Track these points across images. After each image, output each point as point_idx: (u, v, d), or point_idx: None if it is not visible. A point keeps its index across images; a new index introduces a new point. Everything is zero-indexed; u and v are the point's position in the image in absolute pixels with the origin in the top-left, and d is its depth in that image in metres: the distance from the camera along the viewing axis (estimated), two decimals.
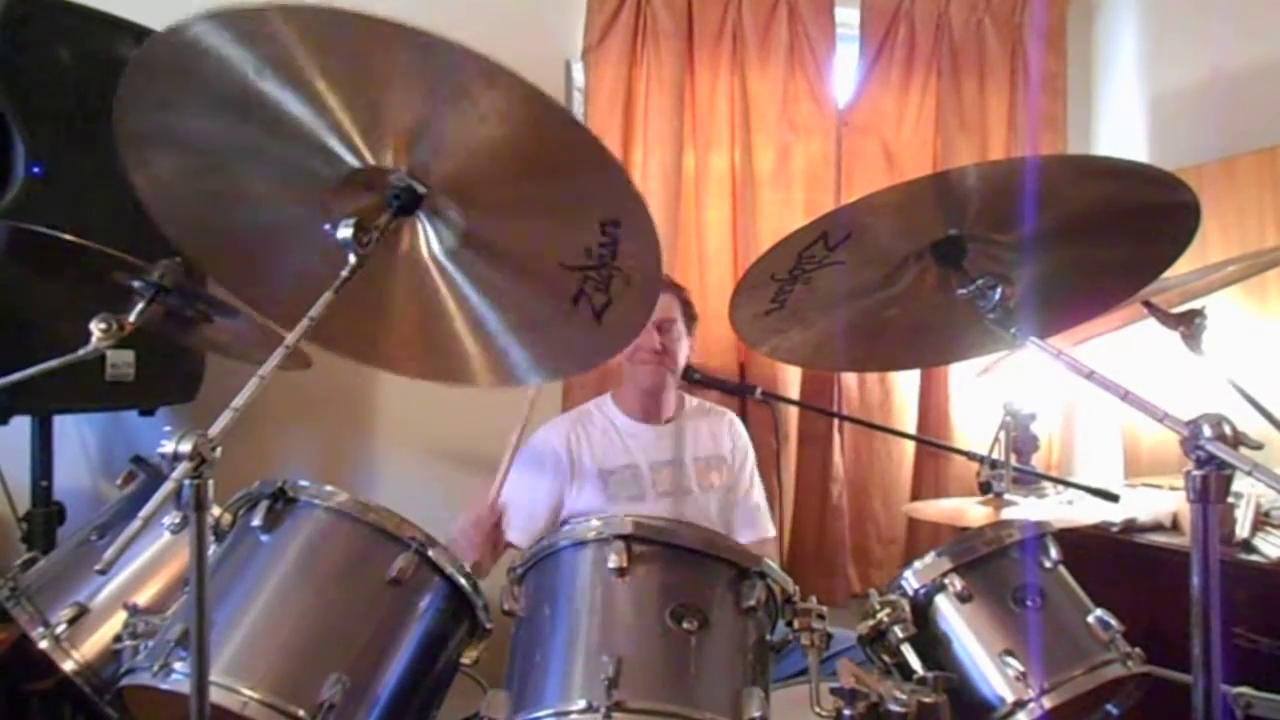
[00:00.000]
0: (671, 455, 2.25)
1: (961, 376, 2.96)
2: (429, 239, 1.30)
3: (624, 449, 2.23)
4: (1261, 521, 2.18)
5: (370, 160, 1.16)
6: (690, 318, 2.29)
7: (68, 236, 1.47)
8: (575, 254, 1.21)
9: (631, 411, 2.28)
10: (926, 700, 1.16)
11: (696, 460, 2.26)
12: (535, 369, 1.47)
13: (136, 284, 1.47)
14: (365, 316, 1.36)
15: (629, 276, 1.22)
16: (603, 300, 1.25)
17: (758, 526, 2.31)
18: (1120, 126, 3.15)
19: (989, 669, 1.41)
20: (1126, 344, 1.89)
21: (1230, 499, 1.85)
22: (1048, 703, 1.35)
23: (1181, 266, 1.37)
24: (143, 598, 1.43)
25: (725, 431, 2.33)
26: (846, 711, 1.17)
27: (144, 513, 0.92)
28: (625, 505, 2.16)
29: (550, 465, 2.19)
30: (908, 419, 2.98)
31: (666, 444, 2.26)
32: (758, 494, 2.35)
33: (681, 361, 2.27)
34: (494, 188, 1.21)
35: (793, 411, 2.82)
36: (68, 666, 1.39)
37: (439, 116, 1.09)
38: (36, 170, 1.84)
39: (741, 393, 2.73)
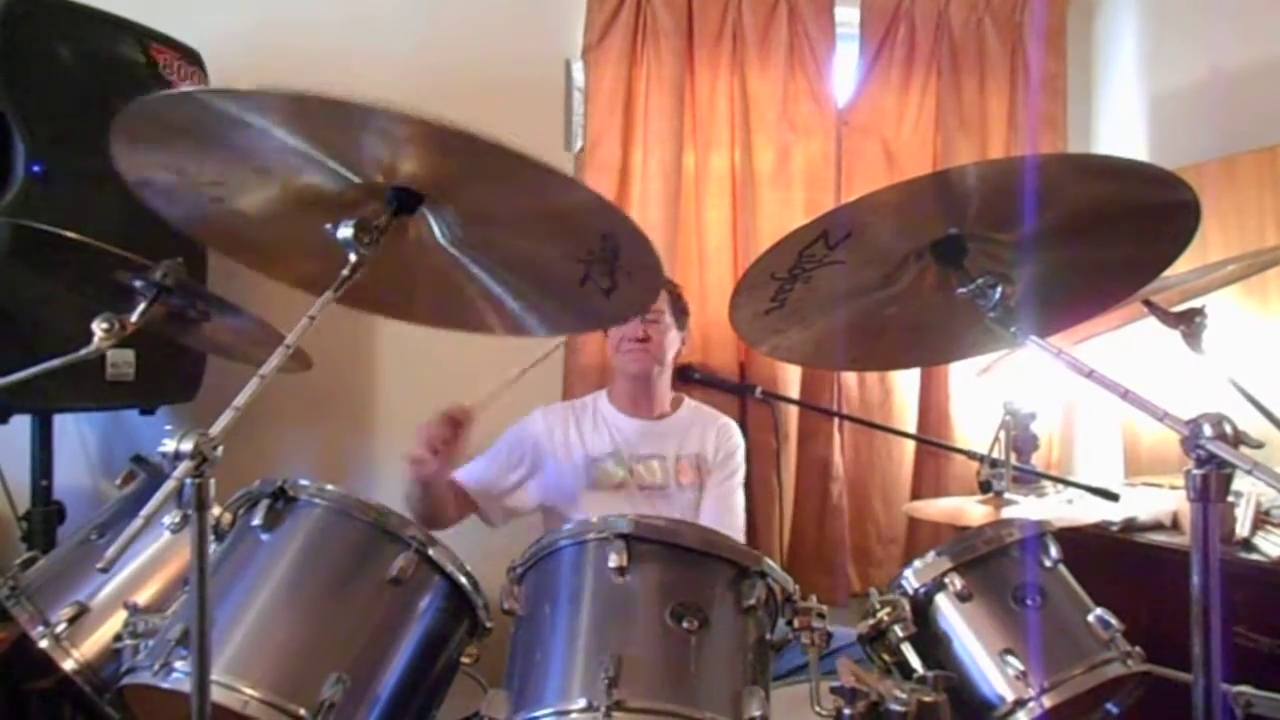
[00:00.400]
0: (656, 450, 2.26)
1: (962, 376, 2.96)
2: (434, 231, 1.31)
3: (610, 439, 2.25)
4: (1261, 520, 2.18)
5: (367, 178, 1.18)
6: (680, 312, 2.30)
7: (70, 234, 1.47)
8: (578, 251, 1.22)
9: (622, 405, 2.30)
10: (926, 699, 1.16)
11: (680, 457, 2.27)
12: (547, 328, 1.55)
13: (138, 284, 1.47)
14: (381, 279, 1.38)
15: (631, 271, 1.24)
16: (608, 284, 1.28)
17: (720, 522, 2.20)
18: (1120, 126, 3.15)
19: (989, 668, 1.41)
20: (1126, 343, 1.89)
21: (1230, 498, 1.86)
22: (1048, 701, 1.35)
23: (1181, 265, 1.37)
24: (143, 597, 1.43)
25: (714, 434, 2.32)
26: (846, 711, 1.17)
27: (145, 511, 0.92)
28: (606, 494, 2.19)
29: (526, 442, 2.23)
30: (908, 418, 2.97)
31: (653, 439, 2.27)
32: (733, 495, 2.28)
33: (669, 352, 2.28)
34: (485, 210, 1.24)
35: (793, 411, 2.82)
36: (68, 666, 1.39)
37: (415, 161, 1.13)
38: (36, 170, 1.84)
39: (741, 392, 2.73)
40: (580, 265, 1.24)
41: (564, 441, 2.24)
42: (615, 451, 2.24)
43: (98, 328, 1.43)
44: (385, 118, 1.02)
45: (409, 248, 1.33)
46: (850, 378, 2.92)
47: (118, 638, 1.30)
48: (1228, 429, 1.02)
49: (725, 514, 2.24)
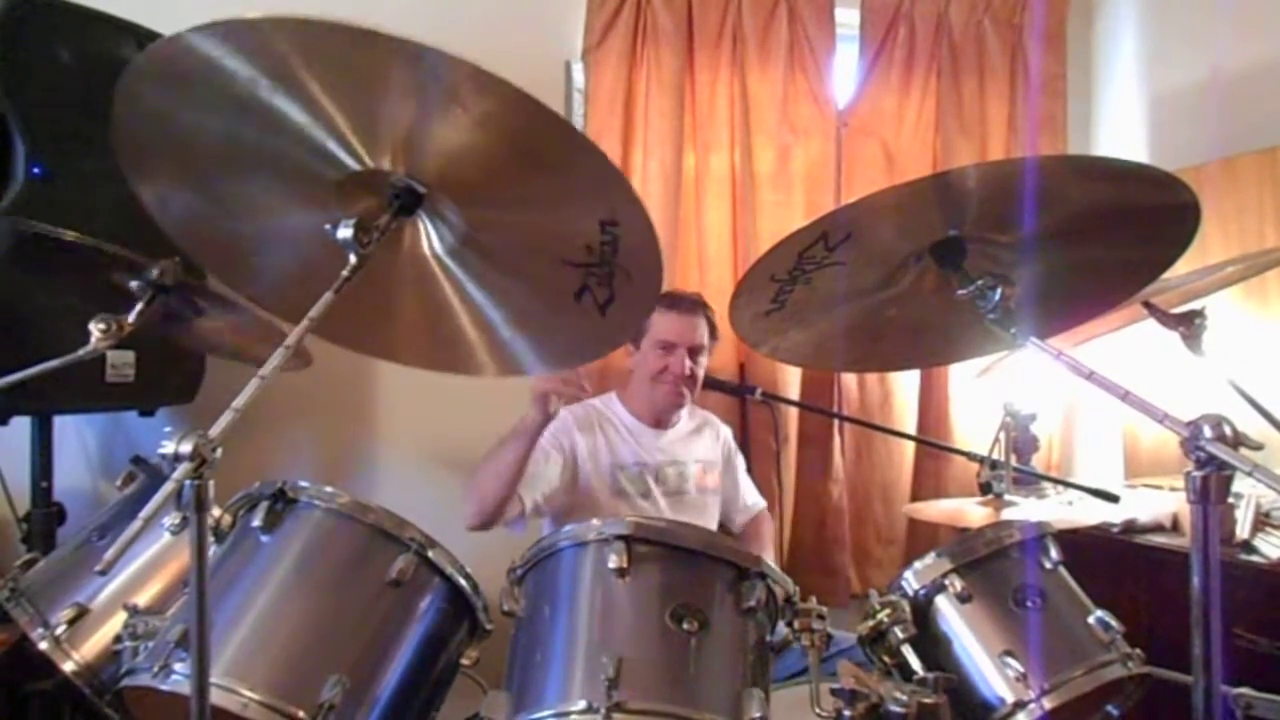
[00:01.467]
0: (675, 457, 2.30)
1: (961, 377, 2.96)
2: (430, 238, 1.30)
3: (635, 448, 2.27)
4: (1261, 522, 2.18)
5: (369, 163, 1.16)
6: (714, 338, 2.32)
7: (69, 235, 1.46)
8: (576, 251, 1.21)
9: (640, 415, 2.31)
10: (927, 701, 1.16)
11: (695, 463, 2.33)
12: (540, 361, 1.50)
13: (135, 284, 1.47)
14: (370, 311, 1.37)
15: (630, 272, 1.23)
16: (605, 295, 1.26)
17: (754, 503, 2.48)
18: (1120, 127, 3.15)
19: (989, 670, 1.41)
20: (1126, 345, 1.89)
21: (1230, 499, 1.85)
22: (1048, 703, 1.35)
23: (1181, 267, 1.37)
24: (143, 598, 1.43)
25: (716, 436, 2.43)
26: (846, 712, 1.17)
27: (144, 513, 0.92)
28: (635, 502, 2.21)
29: (564, 437, 2.20)
30: (908, 419, 2.97)
31: (671, 446, 2.31)
32: (744, 475, 2.50)
33: (700, 385, 2.31)
34: (491, 189, 1.21)
35: (793, 412, 2.82)
36: (68, 667, 1.39)
37: (432, 121, 1.10)
38: (36, 171, 1.84)
39: (741, 393, 2.73)
40: (578, 271, 1.23)
41: (592, 446, 2.23)
42: (640, 461, 2.25)
43: (95, 328, 1.43)
44: (430, 61, 0.96)
45: (400, 271, 1.31)
46: (850, 379, 2.92)
47: (117, 639, 1.30)
48: (1227, 431, 1.02)
49: (757, 493, 2.50)
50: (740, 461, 2.50)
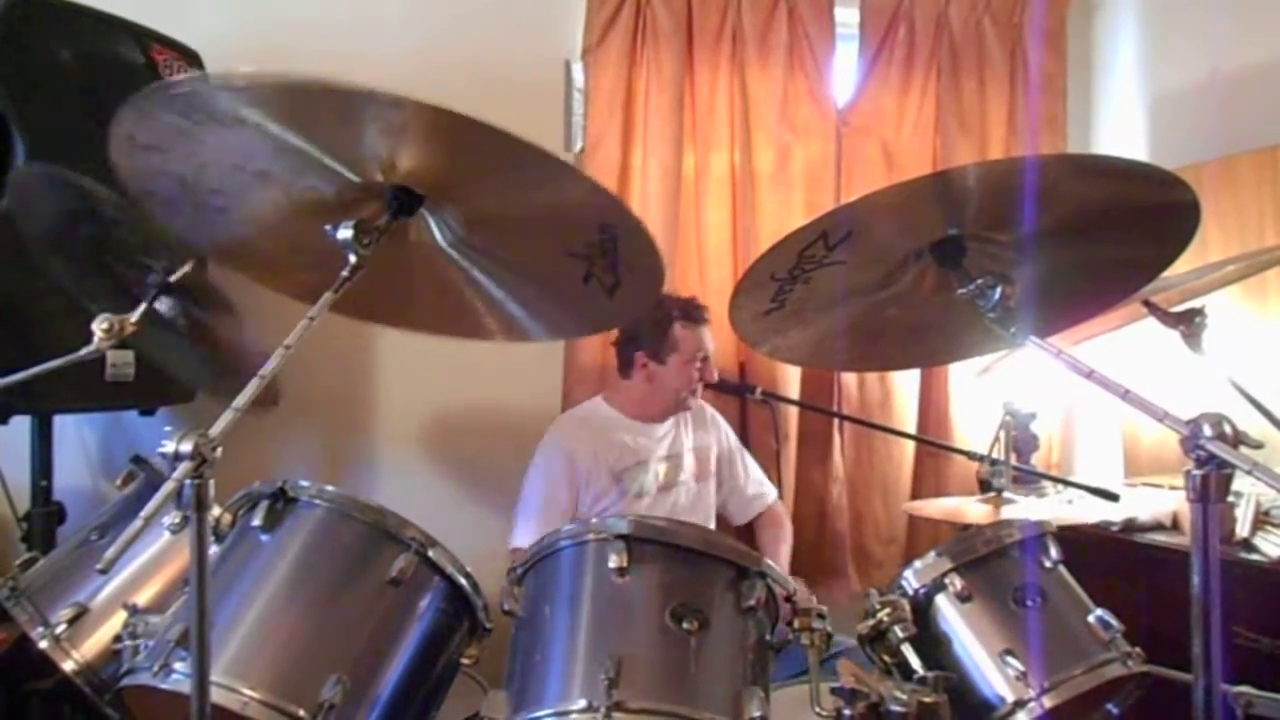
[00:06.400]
0: (670, 450, 2.33)
1: (961, 376, 2.96)
2: (434, 233, 1.31)
3: (631, 447, 2.28)
4: (1261, 521, 2.18)
5: (367, 177, 1.17)
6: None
7: (103, 191, 1.45)
8: (577, 245, 1.22)
9: (629, 412, 2.33)
10: (926, 700, 1.16)
11: (689, 452, 2.37)
12: (550, 332, 1.58)
13: (149, 277, 1.47)
14: (383, 289, 1.38)
15: (633, 264, 1.23)
16: (611, 281, 1.27)
17: (765, 493, 2.51)
18: (1120, 126, 3.15)
19: (989, 669, 1.41)
20: (1126, 344, 1.89)
21: (1230, 498, 1.85)
22: (1048, 702, 1.35)
23: (1181, 266, 1.37)
24: (143, 598, 1.43)
25: (708, 423, 2.47)
26: (846, 711, 1.17)
27: (145, 512, 0.92)
28: (634, 499, 2.23)
29: (565, 461, 2.23)
30: (908, 418, 2.97)
31: (665, 440, 2.34)
32: (753, 464, 2.53)
33: None
34: (481, 200, 1.24)
35: (793, 411, 2.82)
36: (68, 666, 1.39)
37: (406, 147, 1.12)
38: None
39: (741, 392, 2.73)
40: (582, 262, 1.24)
41: (590, 457, 2.25)
42: (640, 461, 2.27)
43: (98, 328, 1.43)
44: (382, 103, 1.02)
45: (408, 252, 1.32)
46: (850, 378, 2.92)
47: (117, 639, 1.30)
48: (1227, 429, 1.02)
49: (765, 479, 2.53)
50: (743, 450, 2.52)
